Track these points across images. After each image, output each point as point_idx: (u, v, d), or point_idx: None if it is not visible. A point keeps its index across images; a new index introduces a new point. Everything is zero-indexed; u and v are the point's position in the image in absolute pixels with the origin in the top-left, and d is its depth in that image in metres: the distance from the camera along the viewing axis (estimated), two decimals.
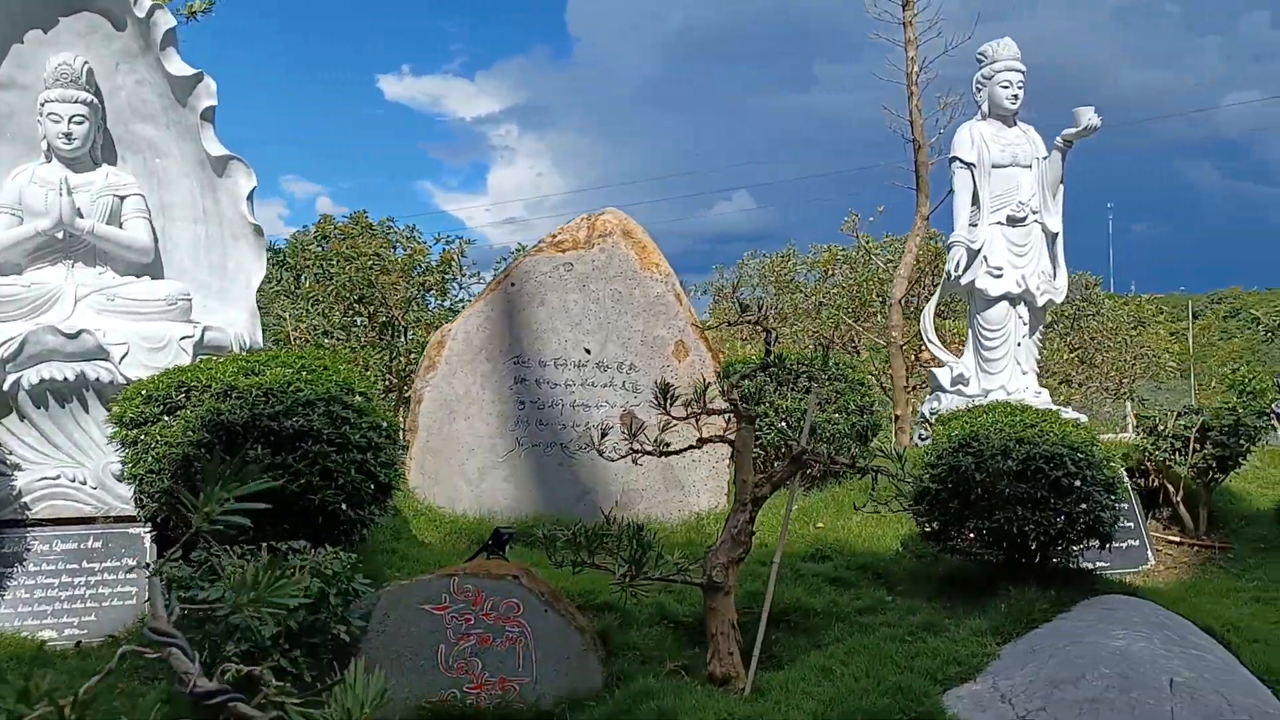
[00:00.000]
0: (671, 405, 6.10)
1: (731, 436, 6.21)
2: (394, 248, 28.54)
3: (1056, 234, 10.27)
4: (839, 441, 9.08)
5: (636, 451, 5.96)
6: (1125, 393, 33.77)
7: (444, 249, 29.25)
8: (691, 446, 6.17)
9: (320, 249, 34.29)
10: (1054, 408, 9.81)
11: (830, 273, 31.65)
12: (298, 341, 24.71)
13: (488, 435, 8.34)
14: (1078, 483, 6.38)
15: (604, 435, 6.07)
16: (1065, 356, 29.00)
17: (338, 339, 26.14)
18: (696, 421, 6.00)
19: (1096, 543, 6.80)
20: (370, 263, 26.72)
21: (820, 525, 8.39)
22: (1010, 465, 6.46)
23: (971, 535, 6.81)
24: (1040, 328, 10.26)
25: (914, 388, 16.38)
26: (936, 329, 11.66)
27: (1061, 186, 10.28)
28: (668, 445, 6.09)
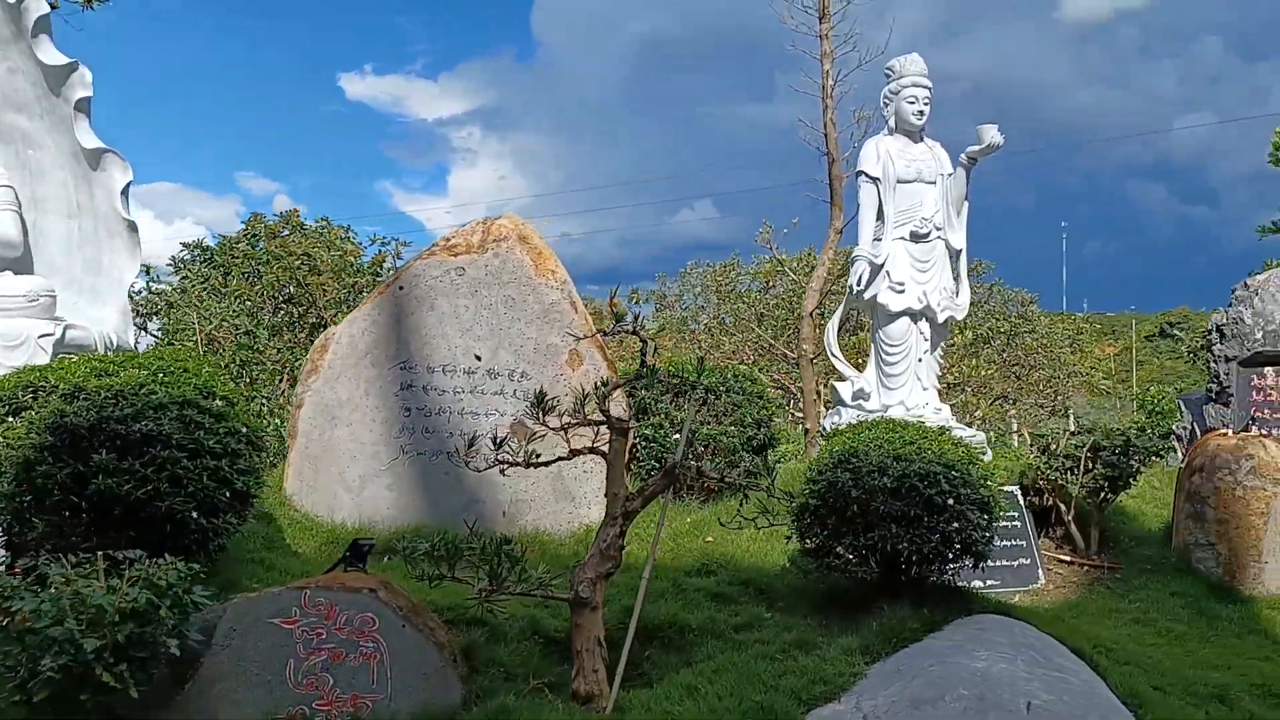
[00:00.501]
0: (547, 415, 6.02)
1: (604, 448, 6.12)
2: (328, 249, 28.14)
3: (960, 250, 10.35)
4: (734, 454, 9.05)
5: (502, 462, 5.85)
6: (1061, 410, 34.31)
7: (379, 250, 28.91)
8: (560, 459, 6.08)
9: (250, 247, 33.74)
10: (952, 425, 9.89)
11: (771, 284, 31.87)
12: (220, 341, 24.24)
13: (370, 442, 8.16)
14: (951, 501, 6.39)
15: (471, 445, 5.95)
16: (1000, 373, 29.37)
17: (264, 339, 25.69)
18: (566, 432, 5.91)
19: (970, 561, 6.79)
20: (299, 263, 26.30)
21: (710, 539, 8.33)
22: (886, 482, 6.45)
23: (849, 552, 6.78)
24: (942, 344, 10.32)
25: (826, 401, 16.44)
26: (847, 344, 11.70)
27: (966, 203, 10.36)
28: (537, 456, 6.01)
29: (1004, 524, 9.32)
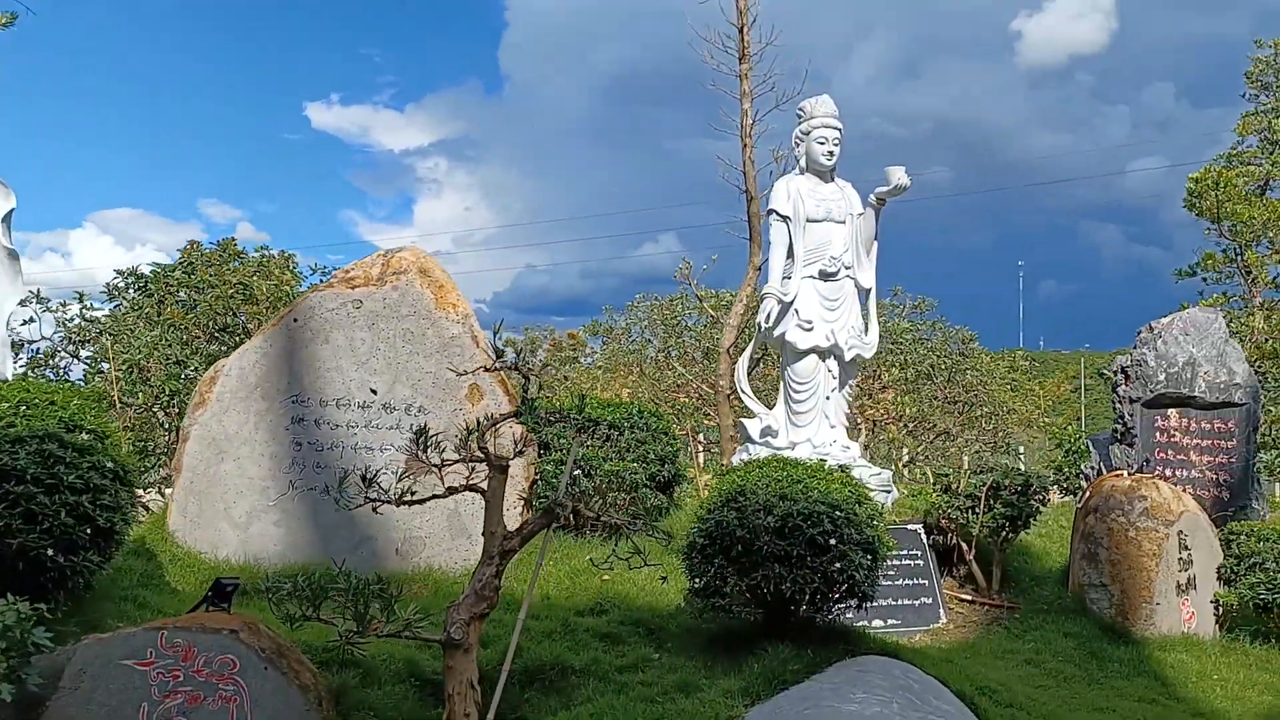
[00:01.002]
0: (428, 451, 5.95)
1: (483, 485, 6.05)
2: (265, 278, 27.84)
3: (869, 290, 10.45)
4: (637, 491, 9.02)
5: (371, 500, 5.76)
6: (1002, 447, 34.68)
7: (320, 280, 28.74)
8: (436, 496, 6.00)
9: (186, 275, 33.26)
10: (857, 463, 9.95)
11: (717, 319, 32.00)
12: (150, 371, 23.81)
13: (259, 477, 8.01)
14: (834, 541, 6.40)
15: (342, 482, 5.84)
16: (941, 409, 29.68)
17: (197, 368, 25.28)
18: (440, 470, 5.83)
19: (855, 601, 6.80)
20: (234, 292, 25.98)
21: (606, 577, 8.26)
22: (770, 521, 6.45)
23: (735, 592, 6.75)
24: (851, 382, 10.40)
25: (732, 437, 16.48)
26: (762, 381, 11.74)
27: (875, 243, 10.48)
28: (411, 493, 5.92)
29: (907, 563, 9.40)
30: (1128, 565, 8.25)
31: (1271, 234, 15.57)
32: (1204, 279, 17.56)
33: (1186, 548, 8.36)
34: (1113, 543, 8.34)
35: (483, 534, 6.16)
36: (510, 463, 6.32)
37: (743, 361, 10.75)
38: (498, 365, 6.26)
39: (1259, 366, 16.15)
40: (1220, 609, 8.52)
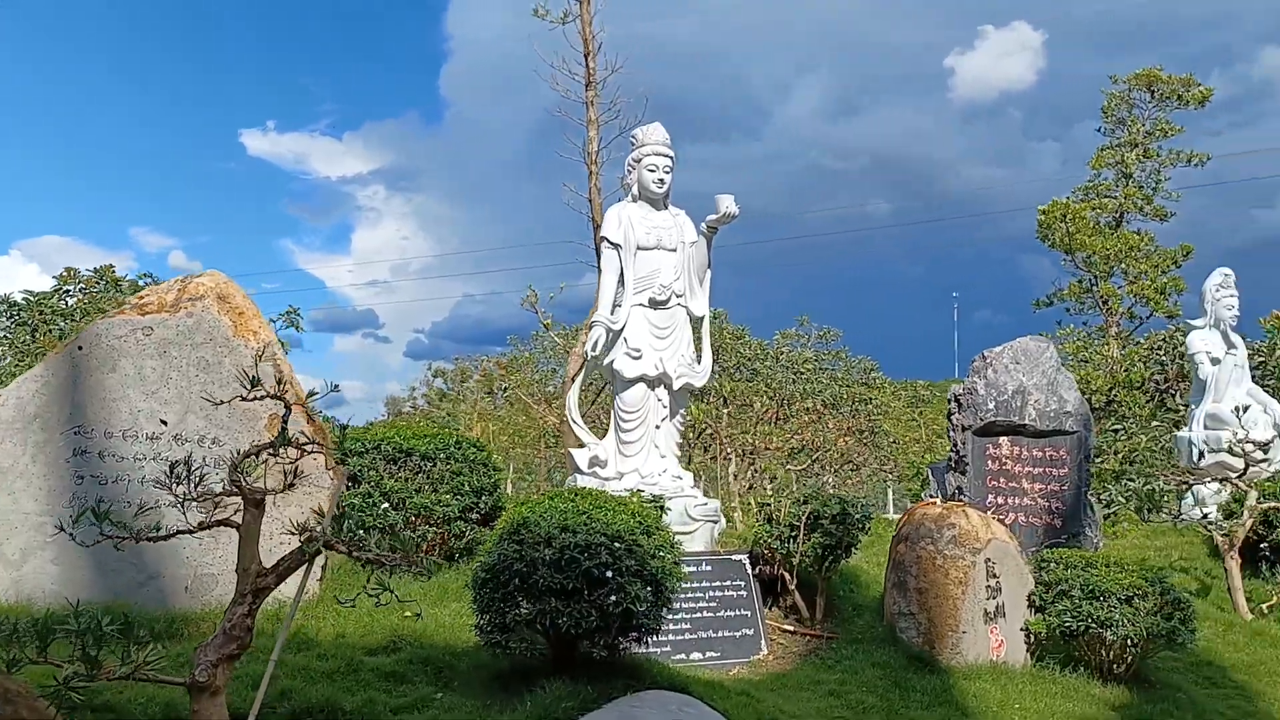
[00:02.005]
0: (178, 485, 5.75)
1: (237, 520, 5.87)
2: None
3: (703, 318, 10.50)
4: (450, 524, 8.88)
5: (109, 536, 5.55)
6: (906, 474, 35.22)
7: None
8: (182, 532, 5.80)
9: (61, 304, 32.27)
10: (684, 493, 9.95)
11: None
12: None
13: (35, 512, 7.68)
14: (610, 574, 6.33)
15: (82, 514, 5.61)
16: (847, 439, 30.08)
17: None
18: (183, 506, 5.64)
19: (634, 636, 6.74)
20: None
21: (409, 614, 8.08)
22: (548, 554, 6.36)
23: (516, 628, 6.65)
24: (683, 411, 10.39)
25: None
26: (605, 411, 11.68)
27: (709, 272, 10.54)
28: (156, 529, 5.72)
29: (730, 594, 9.41)
30: (935, 593, 8.34)
31: (1124, 265, 16.13)
32: (1067, 309, 18.13)
33: (995, 575, 8.49)
34: (921, 571, 8.43)
35: (236, 571, 5.99)
36: (263, 497, 6.16)
37: (574, 390, 10.70)
38: (255, 395, 6.10)
39: (1114, 394, 16.66)
40: (1031, 637, 8.65)
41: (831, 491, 9.51)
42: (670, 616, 9.03)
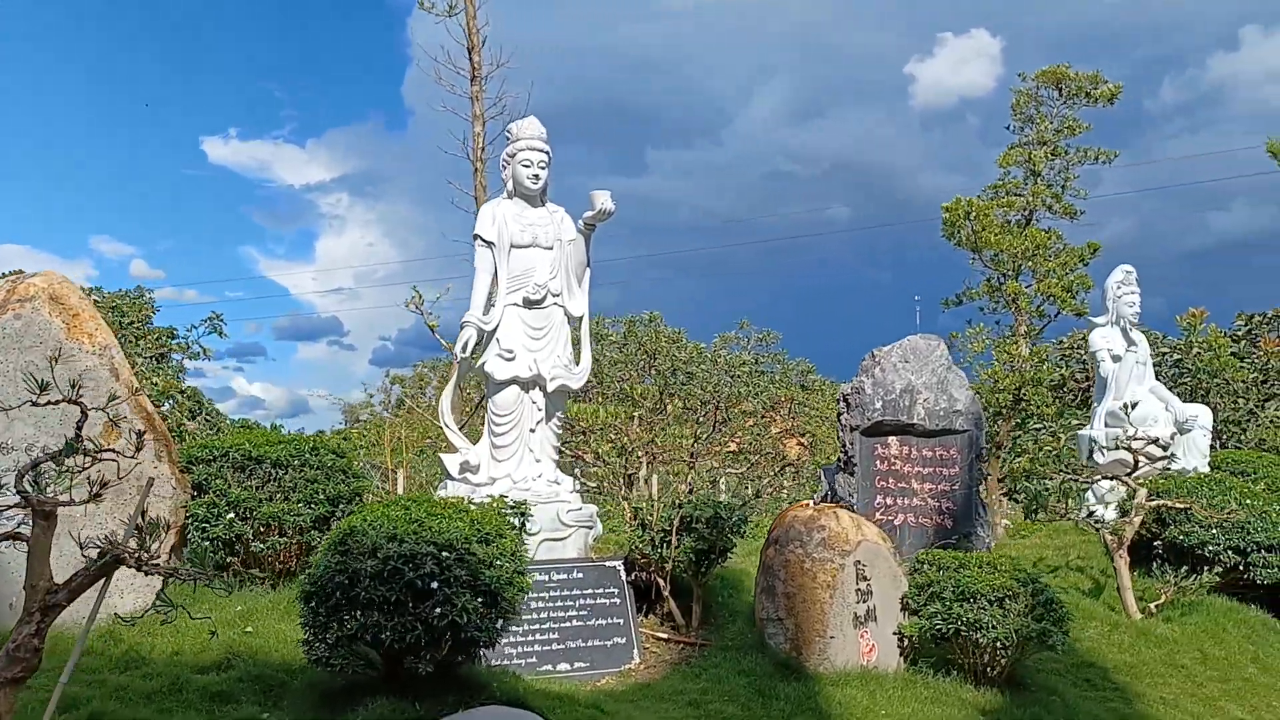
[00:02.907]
0: None
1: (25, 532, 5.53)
2: None
3: (581, 317, 10.25)
4: (304, 535, 8.56)
5: None
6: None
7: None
8: None
9: None
10: (559, 498, 9.69)
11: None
12: None
13: None
14: (435, 585, 6.07)
15: None
16: (784, 443, 30.03)
17: None
18: None
19: (465, 650, 6.47)
20: None
21: (250, 629, 7.76)
22: (371, 565, 6.08)
23: (339, 642, 6.35)
24: (559, 414, 10.13)
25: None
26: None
27: (589, 270, 10.30)
28: None
29: (602, 601, 9.18)
30: (803, 598, 8.17)
31: (1033, 263, 16.17)
32: (980, 308, 18.16)
33: (865, 578, 8.33)
34: (789, 575, 8.25)
35: (24, 587, 5.65)
36: (53, 508, 5.83)
37: (447, 393, 10.39)
38: (44, 401, 5.76)
39: (1022, 393, 16.68)
40: (904, 640, 8.51)
41: (705, 496, 9.30)
42: (538, 627, 8.82)
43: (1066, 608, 8.94)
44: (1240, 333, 27.34)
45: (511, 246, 9.96)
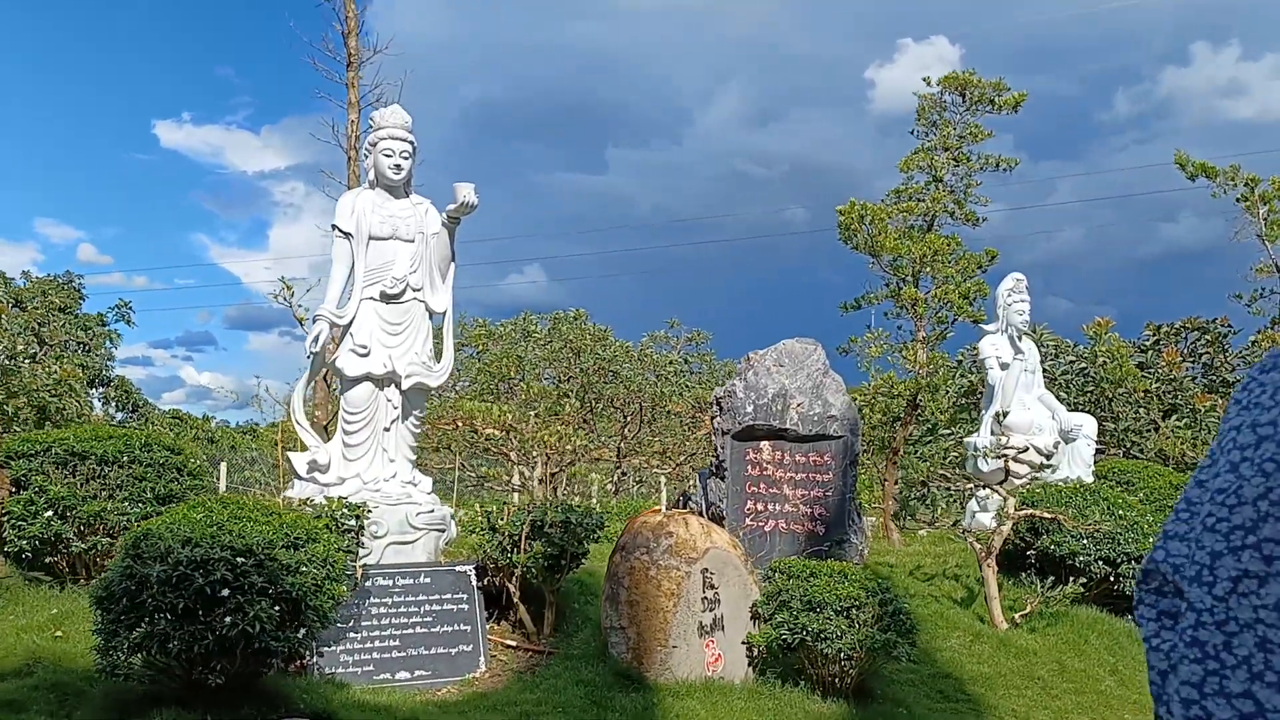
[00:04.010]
0: None
1: None
2: None
3: (444, 313, 10.02)
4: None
5: None
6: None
7: None
8: None
9: None
10: (413, 499, 9.47)
11: (483, 348, 31.59)
12: None
13: None
14: (226, 592, 5.82)
15: None
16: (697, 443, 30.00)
17: None
18: None
19: (263, 660, 6.22)
20: None
21: (60, 634, 7.44)
22: (161, 571, 5.82)
23: (130, 652, 6.08)
24: (417, 413, 9.88)
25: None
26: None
27: (453, 265, 10.07)
28: None
29: (449, 607, 8.97)
30: (646, 606, 8.03)
31: (931, 270, 16.28)
32: (885, 313, 18.23)
33: (713, 586, 8.23)
34: (633, 583, 8.11)
35: None
36: None
37: (299, 389, 10.10)
38: None
39: (919, 399, 16.73)
40: (753, 650, 8.42)
41: (558, 499, 9.12)
42: (378, 634, 8.58)
43: (915, 619, 8.93)
44: (1148, 343, 27.86)
45: (370, 238, 9.70)
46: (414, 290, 9.77)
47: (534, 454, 17.19)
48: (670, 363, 35.44)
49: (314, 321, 9.52)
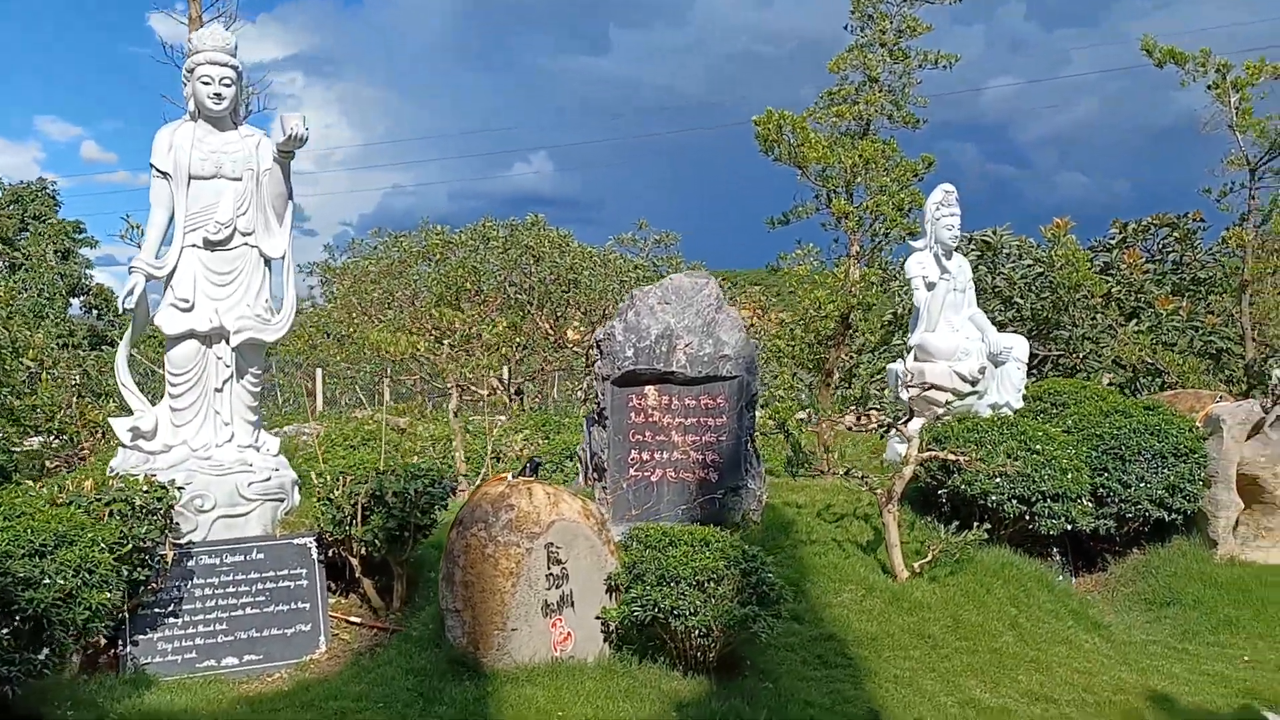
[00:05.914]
0: None
1: None
2: None
3: (282, 258, 9.29)
4: None
5: None
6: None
7: None
8: None
9: None
10: (246, 470, 8.91)
11: (442, 257, 30.86)
12: None
13: None
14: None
15: None
16: None
17: None
18: None
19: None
20: None
21: None
22: None
23: None
24: (254, 370, 9.22)
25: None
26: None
27: (291, 204, 9.32)
28: None
29: (286, 584, 8.52)
30: (481, 587, 7.53)
31: (864, 179, 15.51)
32: (822, 224, 17.46)
33: (560, 561, 7.71)
34: (469, 562, 7.59)
35: None
36: None
37: (123, 348, 9.39)
38: None
39: (853, 319, 16.16)
40: (608, 627, 7.97)
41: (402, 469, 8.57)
42: (202, 617, 8.09)
43: (799, 575, 8.49)
44: (1114, 241, 27.20)
45: (191, 178, 8.94)
46: (243, 234, 9.05)
47: (450, 385, 16.61)
48: (636, 267, 34.65)
49: (130, 274, 8.79)
